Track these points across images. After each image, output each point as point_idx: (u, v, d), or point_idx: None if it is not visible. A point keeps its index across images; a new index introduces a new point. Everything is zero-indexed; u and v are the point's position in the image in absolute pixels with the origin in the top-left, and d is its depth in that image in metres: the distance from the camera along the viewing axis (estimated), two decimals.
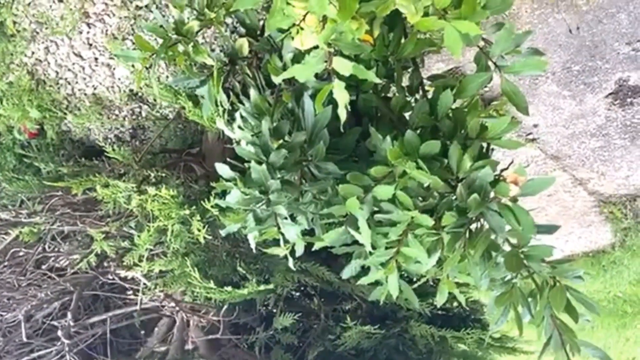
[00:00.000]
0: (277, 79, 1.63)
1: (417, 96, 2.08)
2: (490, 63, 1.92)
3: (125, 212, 2.54)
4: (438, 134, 1.95)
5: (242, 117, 1.78)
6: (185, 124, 3.08)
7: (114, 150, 2.51)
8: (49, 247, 2.81)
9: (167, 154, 2.85)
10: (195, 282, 2.33)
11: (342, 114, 1.57)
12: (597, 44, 3.56)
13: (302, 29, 1.46)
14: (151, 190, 2.29)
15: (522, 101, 1.86)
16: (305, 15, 1.46)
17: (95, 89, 3.14)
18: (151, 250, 2.50)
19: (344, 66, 1.50)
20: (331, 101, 2.09)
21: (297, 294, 2.89)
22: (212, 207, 2.22)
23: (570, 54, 3.64)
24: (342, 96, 1.54)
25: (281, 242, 1.72)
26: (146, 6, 2.67)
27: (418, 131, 1.96)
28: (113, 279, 2.70)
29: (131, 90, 3.11)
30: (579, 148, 4.53)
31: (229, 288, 2.35)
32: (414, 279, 2.31)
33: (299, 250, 1.86)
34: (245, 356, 2.76)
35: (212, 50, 2.89)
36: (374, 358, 2.88)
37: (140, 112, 3.28)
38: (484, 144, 1.92)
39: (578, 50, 3.61)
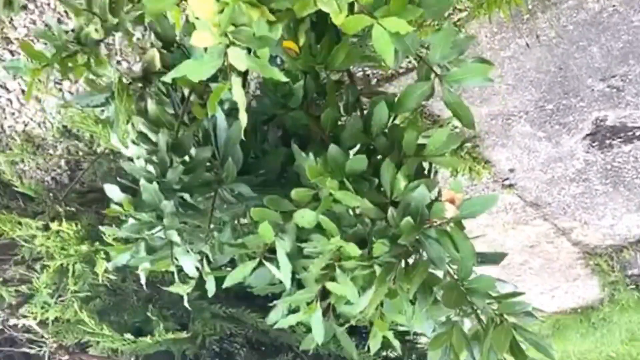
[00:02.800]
0: (166, 78, 1.39)
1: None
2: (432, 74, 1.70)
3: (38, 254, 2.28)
4: (374, 155, 1.71)
5: (139, 132, 1.54)
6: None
7: (22, 184, 2.25)
8: None
9: (98, 192, 2.60)
10: (89, 330, 2.04)
11: (243, 118, 1.32)
12: (569, 80, 3.37)
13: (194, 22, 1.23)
14: (54, 225, 2.03)
15: (467, 114, 1.62)
16: None
17: (25, 125, 2.90)
18: (60, 296, 2.21)
19: (239, 58, 1.26)
20: (256, 120, 1.87)
21: (229, 346, 2.58)
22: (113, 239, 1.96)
23: (542, 91, 3.45)
24: (241, 96, 1.30)
25: (175, 275, 1.45)
26: (72, 30, 2.46)
27: (353, 152, 1.72)
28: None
29: (64, 127, 2.88)
30: (559, 195, 4.29)
31: (129, 336, 2.05)
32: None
33: (210, 289, 1.58)
34: None
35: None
36: None
37: (77, 151, 3.03)
38: (426, 166, 1.68)
39: (550, 87, 3.41)
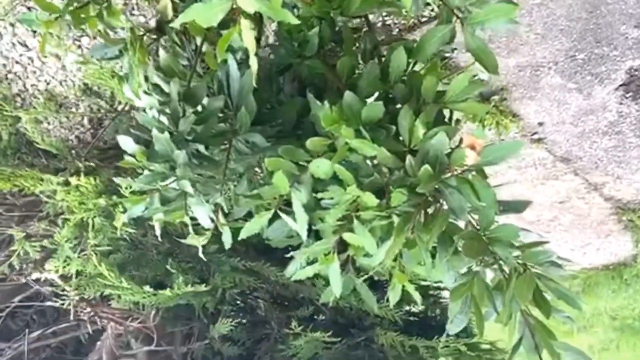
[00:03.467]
0: (175, 23, 1.35)
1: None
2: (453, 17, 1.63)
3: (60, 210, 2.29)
4: (393, 104, 1.65)
5: (151, 82, 1.51)
6: None
7: (44, 140, 2.25)
8: None
9: (118, 149, 2.59)
10: (109, 283, 2.05)
11: (253, 64, 1.28)
12: (602, 28, 3.23)
13: None
14: (74, 180, 2.03)
15: (490, 59, 1.56)
16: None
17: (48, 84, 2.90)
18: (83, 250, 2.23)
19: (247, 0, 1.21)
20: (271, 70, 1.82)
21: (250, 299, 2.58)
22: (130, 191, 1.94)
23: (573, 40, 3.32)
24: (250, 41, 1.25)
25: (190, 227, 1.43)
26: None
27: (370, 101, 1.67)
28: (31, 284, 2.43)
29: (85, 85, 2.87)
30: (590, 148, 4.17)
31: (148, 288, 2.06)
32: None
33: (226, 240, 1.57)
34: None
35: None
36: None
37: (99, 109, 3.02)
38: (446, 113, 1.62)
39: (581, 35, 3.28)
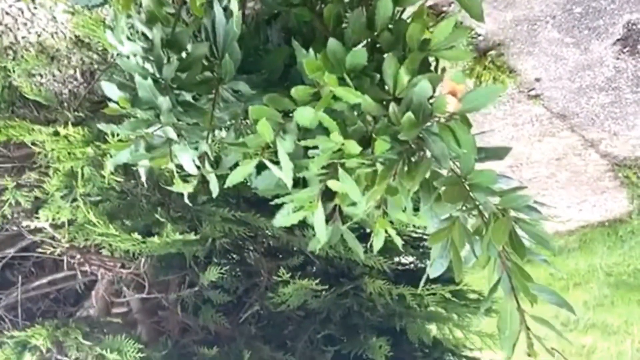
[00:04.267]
0: None
1: None
2: None
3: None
4: (379, 53, 1.65)
5: (134, 28, 1.50)
6: None
7: (32, 90, 2.26)
8: None
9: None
10: (98, 230, 2.08)
11: (234, 7, 1.28)
12: None
13: None
14: (62, 130, 2.04)
15: (476, 5, 1.55)
16: None
17: (39, 36, 2.88)
18: (75, 199, 2.25)
19: None
20: (259, 19, 1.81)
21: (241, 249, 2.61)
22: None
23: None
24: None
25: (175, 173, 1.44)
26: None
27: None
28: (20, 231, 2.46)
29: (77, 36, 2.85)
30: (587, 104, 4.15)
31: (137, 235, 2.09)
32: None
33: (214, 189, 1.58)
34: (175, 316, 2.51)
35: None
36: (326, 320, 2.60)
37: (91, 62, 3.01)
38: (432, 62, 1.62)
39: None
